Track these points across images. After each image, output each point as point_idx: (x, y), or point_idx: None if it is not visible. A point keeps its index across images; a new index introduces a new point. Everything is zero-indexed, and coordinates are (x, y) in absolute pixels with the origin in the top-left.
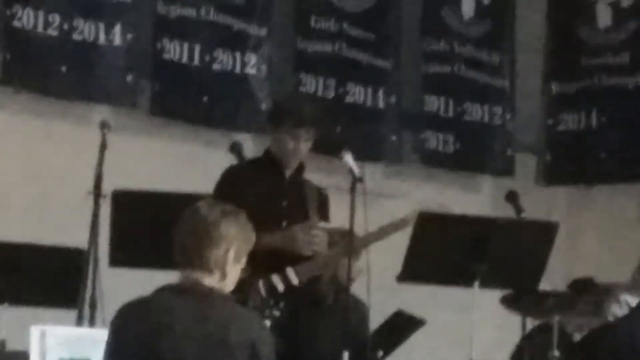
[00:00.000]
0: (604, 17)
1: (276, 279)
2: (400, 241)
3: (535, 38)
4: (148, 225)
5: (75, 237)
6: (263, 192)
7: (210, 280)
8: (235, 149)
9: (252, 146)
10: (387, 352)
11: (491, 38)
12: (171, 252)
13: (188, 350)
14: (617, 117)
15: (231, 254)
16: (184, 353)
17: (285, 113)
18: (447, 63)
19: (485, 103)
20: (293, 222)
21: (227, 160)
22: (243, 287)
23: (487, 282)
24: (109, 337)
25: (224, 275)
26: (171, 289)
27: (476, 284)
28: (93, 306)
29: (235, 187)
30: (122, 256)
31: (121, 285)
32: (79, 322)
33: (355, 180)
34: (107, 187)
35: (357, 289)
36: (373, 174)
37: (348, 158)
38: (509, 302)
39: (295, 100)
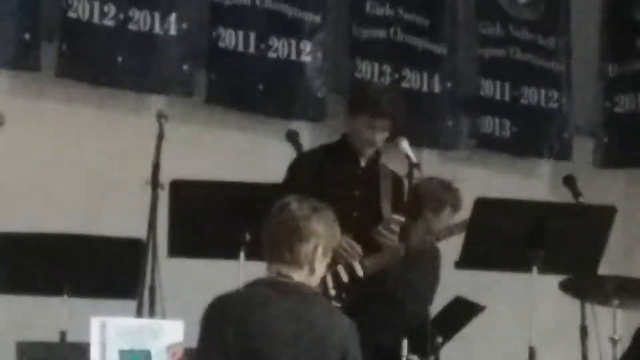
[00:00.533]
0: None
1: (342, 270)
2: None
3: (591, 20)
4: (206, 215)
5: (134, 227)
6: (336, 180)
7: (299, 276)
8: (292, 137)
9: (308, 134)
10: (447, 338)
11: (546, 21)
12: (235, 242)
13: (283, 348)
14: None
15: (320, 250)
16: (280, 350)
17: (364, 103)
18: (503, 47)
19: (542, 86)
20: (364, 212)
21: (283, 148)
22: None
23: (546, 268)
24: (202, 330)
25: (312, 271)
26: (265, 284)
27: (534, 269)
28: (152, 297)
29: (307, 174)
30: (180, 246)
31: (180, 276)
32: (139, 312)
33: (412, 166)
34: (165, 177)
35: None
36: (430, 160)
37: (404, 144)
38: (568, 287)
39: (375, 89)
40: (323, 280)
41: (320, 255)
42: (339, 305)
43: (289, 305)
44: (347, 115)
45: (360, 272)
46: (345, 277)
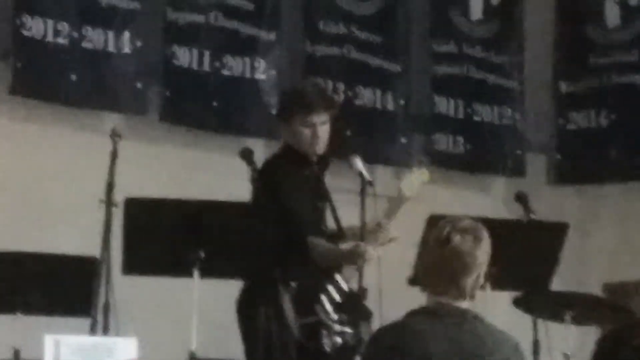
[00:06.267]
0: (612, 16)
1: (332, 290)
2: (412, 244)
3: (544, 38)
4: (160, 233)
5: (88, 245)
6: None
7: (462, 304)
8: (245, 154)
9: (262, 152)
10: None
11: (500, 38)
12: (189, 260)
13: None
14: (626, 115)
15: (481, 277)
16: None
17: (294, 105)
18: (456, 64)
19: (495, 104)
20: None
21: (238, 166)
22: (306, 301)
23: (499, 284)
24: None
25: (472, 297)
26: (426, 313)
27: (487, 285)
28: (106, 314)
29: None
30: (134, 264)
31: (134, 293)
32: (93, 330)
33: (365, 184)
34: (119, 195)
35: (370, 293)
36: (383, 177)
37: (357, 162)
38: (521, 303)
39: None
40: (323, 305)
41: (481, 281)
42: (350, 331)
43: (448, 332)
44: (282, 126)
45: (345, 285)
46: (337, 297)
